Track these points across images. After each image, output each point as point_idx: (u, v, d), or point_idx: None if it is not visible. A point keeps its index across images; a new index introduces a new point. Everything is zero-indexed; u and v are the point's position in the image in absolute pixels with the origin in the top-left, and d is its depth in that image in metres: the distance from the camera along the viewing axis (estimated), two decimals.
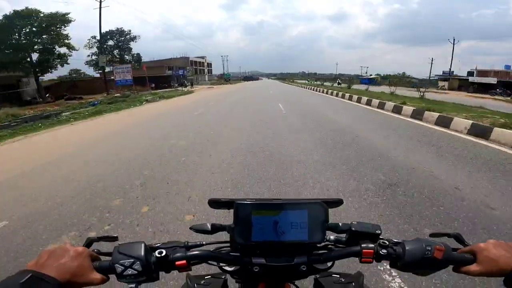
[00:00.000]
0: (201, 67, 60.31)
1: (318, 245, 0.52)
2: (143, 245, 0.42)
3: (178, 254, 0.45)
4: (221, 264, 0.49)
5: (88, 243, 0.45)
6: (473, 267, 0.46)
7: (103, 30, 19.55)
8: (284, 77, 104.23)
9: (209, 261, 0.47)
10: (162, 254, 0.43)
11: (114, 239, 0.49)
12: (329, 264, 0.52)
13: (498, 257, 0.43)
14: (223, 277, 0.60)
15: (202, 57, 72.76)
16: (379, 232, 0.49)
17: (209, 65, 76.17)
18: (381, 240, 0.48)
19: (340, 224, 0.50)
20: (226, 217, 1.65)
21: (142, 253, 0.42)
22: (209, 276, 0.61)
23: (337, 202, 0.55)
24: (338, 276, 0.61)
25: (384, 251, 0.46)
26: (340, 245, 0.52)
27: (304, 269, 0.48)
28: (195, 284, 0.60)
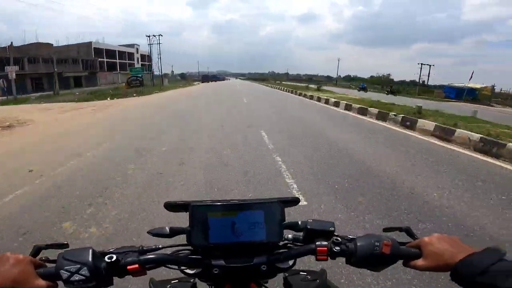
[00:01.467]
0: (127, 60, 51.81)
1: (278, 244, 0.57)
2: (90, 250, 0.47)
3: (130, 259, 0.49)
4: (182, 267, 0.54)
5: (36, 251, 0.50)
6: (420, 262, 0.50)
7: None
8: (255, 77, 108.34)
9: (168, 265, 0.52)
10: (113, 259, 0.48)
11: (65, 246, 0.52)
12: (290, 262, 0.56)
13: (442, 251, 0.48)
14: (192, 280, 0.64)
15: (131, 45, 61.66)
16: (333, 229, 0.55)
17: (148, 58, 65.83)
18: (335, 237, 0.54)
19: (298, 222, 0.56)
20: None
21: (90, 258, 0.46)
22: (176, 281, 0.65)
23: (294, 201, 0.60)
24: (305, 274, 0.68)
25: (338, 248, 0.52)
26: (298, 244, 0.58)
27: (264, 268, 0.52)
28: None
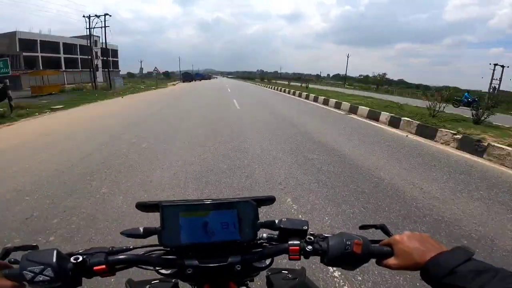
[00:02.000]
0: (81, 56, 45.31)
1: (253, 243, 0.60)
2: (55, 251, 0.51)
3: (96, 259, 0.52)
4: (157, 268, 0.57)
5: (4, 253, 0.54)
6: (391, 260, 0.53)
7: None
8: (244, 76, 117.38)
9: (141, 266, 0.55)
10: (79, 260, 0.51)
11: (33, 247, 0.55)
12: (267, 262, 0.60)
13: (412, 249, 0.50)
14: (173, 280, 0.68)
15: (86, 36, 53.64)
16: (306, 227, 0.59)
17: (113, 53, 59.80)
18: (308, 236, 0.58)
19: (275, 221, 0.60)
20: None
21: (54, 259, 0.49)
22: (157, 281, 0.68)
23: (269, 200, 0.63)
24: (287, 272, 0.73)
25: (310, 247, 0.56)
26: (273, 243, 0.61)
27: (238, 268, 0.55)
28: None
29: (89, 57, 40.27)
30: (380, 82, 60.90)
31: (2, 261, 0.53)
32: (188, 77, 59.54)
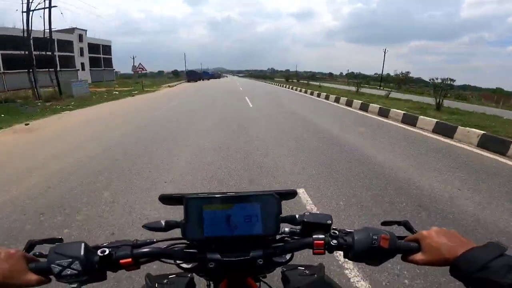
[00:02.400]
0: (60, 52, 38.94)
1: (274, 238, 0.62)
2: (82, 244, 0.52)
3: (122, 253, 0.54)
4: (178, 262, 0.60)
5: (30, 246, 0.57)
6: (418, 256, 0.56)
7: None
8: (255, 75, 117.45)
9: (163, 259, 0.58)
10: (105, 253, 0.53)
11: (58, 240, 0.57)
12: (288, 256, 0.62)
13: (440, 245, 0.53)
14: (189, 275, 0.71)
15: (69, 30, 47.71)
16: (330, 222, 0.61)
17: (104, 50, 55.82)
18: (332, 231, 0.60)
19: (296, 216, 0.63)
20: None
21: (82, 252, 0.51)
22: (174, 275, 0.72)
23: (291, 194, 0.65)
24: (303, 268, 0.73)
25: (335, 241, 0.58)
26: (296, 237, 0.63)
27: (261, 262, 0.57)
28: (155, 284, 0.69)
29: (72, 53, 37.26)
30: (402, 81, 62.19)
31: (28, 254, 0.54)
32: (194, 75, 53.78)
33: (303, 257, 1.90)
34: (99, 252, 0.53)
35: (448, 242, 0.53)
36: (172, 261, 0.59)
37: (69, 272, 0.49)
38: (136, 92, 22.74)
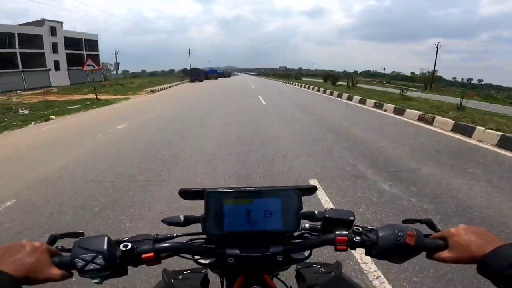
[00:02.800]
0: (22, 49, 34.58)
1: (294, 234, 0.64)
2: (106, 238, 0.55)
3: (145, 247, 0.57)
4: (196, 257, 0.62)
5: (52, 240, 0.59)
6: (445, 254, 0.58)
7: None
8: (267, 73, 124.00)
9: (182, 254, 0.61)
10: (128, 247, 0.55)
11: (80, 234, 0.60)
12: (306, 253, 0.64)
13: (468, 243, 0.55)
14: (203, 271, 0.74)
15: (39, 22, 41.91)
16: (353, 218, 0.63)
17: (89, 45, 50.10)
18: (355, 227, 0.62)
19: (315, 212, 0.65)
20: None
21: (105, 246, 0.53)
22: (188, 271, 0.74)
23: (311, 189, 0.67)
24: (319, 266, 0.74)
25: (358, 238, 0.60)
26: (316, 233, 0.65)
27: (280, 259, 0.59)
28: (172, 279, 0.70)
29: (41, 50, 29.08)
30: (429, 81, 58.35)
31: (53, 248, 0.57)
32: (197, 75, 46.85)
33: (317, 255, 1.88)
34: (121, 246, 0.54)
35: (477, 239, 0.54)
36: (190, 256, 0.61)
37: (92, 267, 0.50)
38: (93, 105, 14.46)
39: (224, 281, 0.71)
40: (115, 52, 48.25)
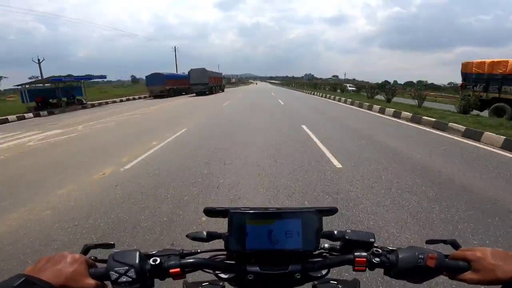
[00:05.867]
0: None
1: (313, 253, 0.74)
2: (138, 253, 0.65)
3: (172, 262, 0.67)
4: (216, 272, 0.72)
5: (85, 250, 0.70)
6: (468, 275, 0.63)
7: None
8: (290, 82, 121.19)
9: (204, 269, 0.71)
10: (157, 262, 0.65)
11: (111, 246, 0.71)
12: (324, 272, 0.73)
13: (494, 266, 0.58)
14: (220, 283, 0.81)
15: None
16: (373, 240, 0.72)
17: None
18: (375, 248, 0.70)
19: (335, 232, 0.74)
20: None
21: (137, 260, 0.63)
22: (207, 283, 0.82)
23: (332, 211, 0.76)
24: (336, 282, 0.80)
25: (377, 259, 0.67)
26: (335, 253, 0.75)
27: (298, 277, 0.69)
28: None
29: None
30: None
31: (90, 260, 0.63)
32: (199, 83, 33.37)
33: (336, 272, 2.04)
34: (151, 261, 0.61)
35: (503, 264, 0.55)
36: (211, 271, 0.68)
37: (124, 279, 0.56)
38: None
39: None
40: (38, 60, 36.83)
